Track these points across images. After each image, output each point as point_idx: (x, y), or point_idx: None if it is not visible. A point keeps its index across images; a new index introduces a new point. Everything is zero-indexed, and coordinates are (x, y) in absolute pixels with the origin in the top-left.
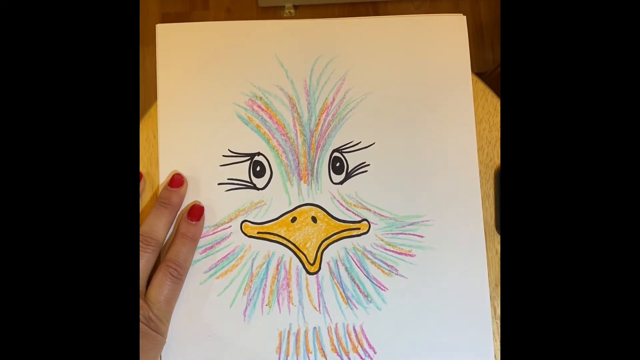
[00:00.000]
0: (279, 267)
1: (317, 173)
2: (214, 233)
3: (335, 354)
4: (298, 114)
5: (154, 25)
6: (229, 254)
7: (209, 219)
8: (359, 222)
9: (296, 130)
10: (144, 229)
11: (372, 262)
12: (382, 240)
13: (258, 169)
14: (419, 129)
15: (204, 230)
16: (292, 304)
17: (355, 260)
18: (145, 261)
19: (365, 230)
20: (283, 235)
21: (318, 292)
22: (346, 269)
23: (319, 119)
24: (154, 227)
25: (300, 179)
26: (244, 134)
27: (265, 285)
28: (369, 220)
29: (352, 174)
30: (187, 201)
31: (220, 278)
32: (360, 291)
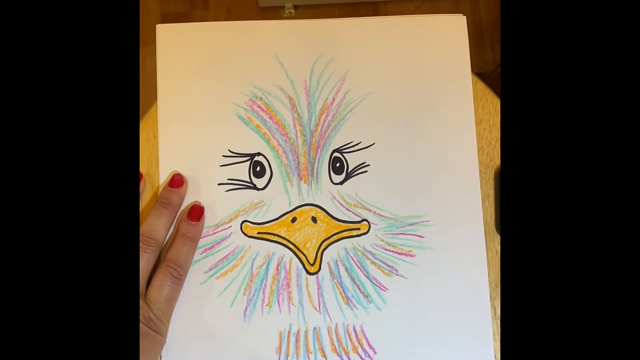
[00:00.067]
0: (279, 267)
1: (317, 173)
2: (214, 233)
3: (335, 354)
4: (298, 114)
5: (154, 25)
6: (229, 254)
7: (209, 219)
8: (359, 222)
9: (296, 130)
10: (144, 229)
11: (372, 263)
12: (382, 240)
13: (258, 169)
14: (419, 129)
15: (204, 231)
16: (292, 304)
17: (356, 261)
18: (145, 261)
19: (365, 231)
20: (283, 235)
21: (318, 292)
22: (346, 269)
23: (319, 119)
24: (154, 227)
25: (301, 179)
26: (244, 134)
27: (265, 285)
28: (369, 220)
29: (352, 174)
30: (187, 201)
31: (221, 278)
32: (361, 291)
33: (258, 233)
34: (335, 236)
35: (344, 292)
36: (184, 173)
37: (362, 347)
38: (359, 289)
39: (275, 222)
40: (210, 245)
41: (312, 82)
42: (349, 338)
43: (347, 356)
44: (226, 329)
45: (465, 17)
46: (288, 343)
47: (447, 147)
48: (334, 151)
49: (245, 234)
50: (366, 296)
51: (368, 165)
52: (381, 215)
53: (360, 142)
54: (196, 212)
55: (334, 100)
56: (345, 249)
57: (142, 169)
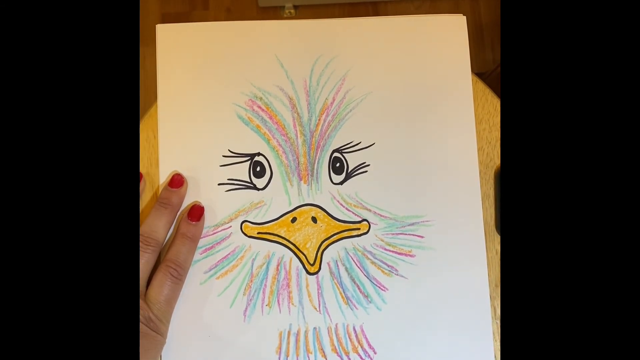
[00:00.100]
0: (279, 267)
1: (317, 173)
2: (214, 233)
3: (335, 354)
4: (298, 114)
5: (154, 25)
6: (229, 254)
7: (209, 219)
8: (359, 222)
9: (296, 130)
10: (144, 229)
11: (372, 263)
12: (382, 240)
13: (258, 169)
14: (419, 129)
15: (204, 231)
16: (292, 304)
17: (355, 261)
18: (145, 261)
19: (365, 231)
20: (283, 235)
21: (318, 292)
22: (346, 269)
23: (319, 119)
24: (154, 227)
25: (300, 179)
26: (244, 134)
27: (265, 285)
28: (369, 220)
29: (352, 174)
30: (187, 201)
31: (221, 278)
32: (360, 291)
33: (258, 233)
34: (335, 236)
35: (344, 292)
36: (184, 173)
37: (362, 347)
38: (359, 289)
39: (275, 222)
40: (210, 245)
41: (312, 82)
42: (349, 338)
43: (347, 356)
44: (226, 329)
45: (465, 17)
46: (288, 343)
47: (447, 147)
48: (334, 151)
49: (245, 234)
50: (366, 296)
51: (368, 165)
52: (381, 215)
53: (360, 142)
54: (196, 212)
55: (334, 100)
56: (345, 249)
57: (142, 169)
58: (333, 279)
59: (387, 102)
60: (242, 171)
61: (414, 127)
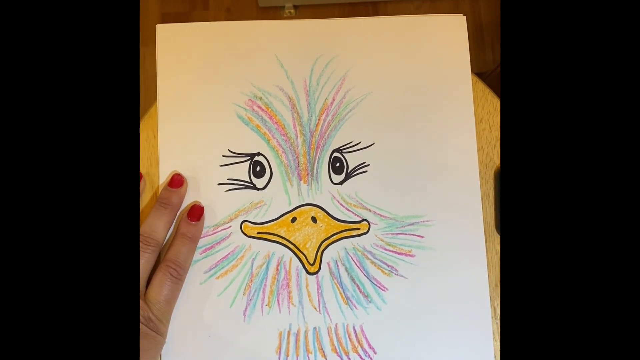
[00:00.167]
0: (279, 267)
1: (317, 173)
2: (214, 233)
3: (335, 354)
4: (298, 114)
5: (154, 25)
6: (229, 254)
7: (209, 219)
8: (359, 222)
9: (296, 130)
10: (144, 229)
11: (372, 262)
12: (382, 240)
13: (258, 169)
14: (419, 129)
15: (204, 231)
16: (292, 304)
17: (355, 261)
18: (145, 261)
19: (365, 231)
20: (283, 235)
21: (318, 292)
22: (346, 269)
23: (319, 119)
24: (154, 227)
25: (300, 179)
26: (244, 134)
27: (265, 285)
28: (369, 220)
29: (352, 174)
30: (187, 201)
31: (220, 278)
32: (360, 291)
33: (258, 233)
34: (335, 236)
35: (343, 292)
36: (184, 173)
37: (362, 347)
38: (358, 289)
39: (275, 222)
40: (210, 245)
41: (312, 82)
42: (349, 338)
43: (347, 356)
44: (226, 329)
45: (465, 17)
46: (288, 343)
47: (447, 147)
48: (333, 151)
49: (245, 234)
50: (366, 296)
51: (368, 165)
52: (381, 215)
53: (360, 142)
54: (196, 212)
55: (333, 100)
56: (345, 249)
57: (142, 169)
58: (333, 279)
59: (387, 102)
60: (242, 171)
61: (414, 127)
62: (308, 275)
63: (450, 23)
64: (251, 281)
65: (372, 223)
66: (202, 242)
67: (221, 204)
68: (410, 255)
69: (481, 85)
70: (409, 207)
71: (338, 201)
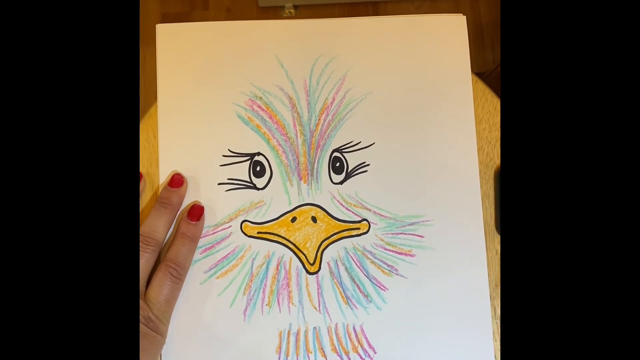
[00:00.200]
0: (279, 267)
1: (317, 173)
2: (214, 233)
3: (335, 354)
4: (298, 113)
5: (154, 25)
6: (229, 254)
7: (209, 219)
8: (359, 222)
9: (296, 130)
10: (144, 229)
11: (372, 262)
12: (382, 240)
13: (258, 169)
14: (419, 129)
15: (204, 230)
16: (292, 303)
17: (355, 260)
18: (145, 261)
19: (365, 230)
20: (283, 235)
21: (318, 292)
22: (346, 268)
23: (319, 119)
24: (154, 227)
25: (300, 179)
26: (244, 134)
27: (265, 285)
28: (369, 220)
29: (352, 174)
30: (187, 201)
31: (220, 278)
32: (360, 291)
33: (258, 233)
34: (335, 236)
35: (343, 292)
36: (184, 173)
37: (362, 346)
38: (358, 288)
39: (275, 221)
40: (210, 245)
41: (312, 81)
42: (349, 338)
43: (347, 356)
44: (226, 329)
45: (465, 17)
46: (288, 343)
47: (447, 147)
48: (333, 151)
49: (245, 234)
50: (366, 296)
51: (368, 165)
52: (381, 215)
53: (360, 142)
54: (196, 212)
55: (333, 100)
56: (345, 248)
57: (142, 169)
58: (333, 279)
59: (387, 102)
60: (242, 171)
61: (414, 127)
62: (308, 275)
63: (450, 23)
64: (251, 281)
65: (372, 223)
66: (202, 241)
67: (221, 204)
68: (411, 255)
69: (481, 85)
70: (409, 206)
71: (338, 201)
